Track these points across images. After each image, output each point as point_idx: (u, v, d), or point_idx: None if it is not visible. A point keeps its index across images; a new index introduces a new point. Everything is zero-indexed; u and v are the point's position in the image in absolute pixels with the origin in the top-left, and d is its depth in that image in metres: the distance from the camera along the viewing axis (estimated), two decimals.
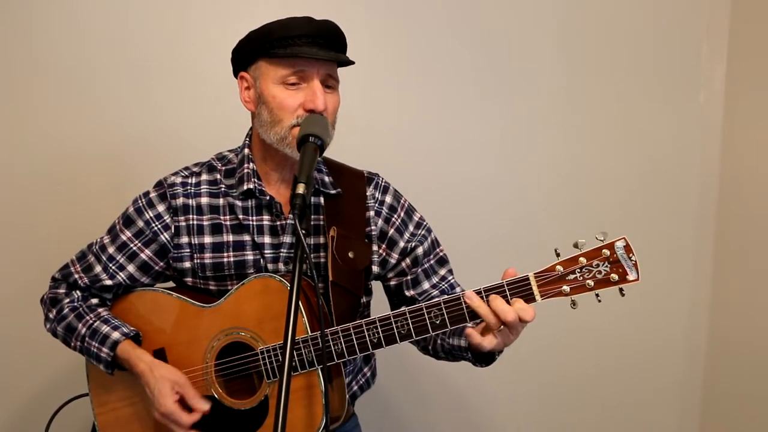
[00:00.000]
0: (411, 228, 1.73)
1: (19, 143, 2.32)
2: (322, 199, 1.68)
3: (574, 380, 2.69)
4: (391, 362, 2.35)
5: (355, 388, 1.77)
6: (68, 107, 2.33)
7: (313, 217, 1.67)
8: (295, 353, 1.51)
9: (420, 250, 1.72)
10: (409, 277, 1.72)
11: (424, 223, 1.76)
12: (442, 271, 1.74)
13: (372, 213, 1.71)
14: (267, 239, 1.65)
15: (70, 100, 2.33)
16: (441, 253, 1.76)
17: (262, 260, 1.65)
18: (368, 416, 1.97)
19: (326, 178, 1.69)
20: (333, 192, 1.68)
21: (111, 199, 2.02)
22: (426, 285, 1.72)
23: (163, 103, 2.37)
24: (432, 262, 1.74)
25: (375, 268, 1.70)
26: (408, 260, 1.72)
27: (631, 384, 2.71)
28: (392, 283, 1.75)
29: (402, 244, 1.71)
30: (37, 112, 2.32)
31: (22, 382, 2.38)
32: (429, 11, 2.48)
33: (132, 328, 1.65)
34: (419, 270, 1.71)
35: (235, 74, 1.66)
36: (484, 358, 1.58)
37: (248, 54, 1.60)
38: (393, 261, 1.72)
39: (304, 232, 1.30)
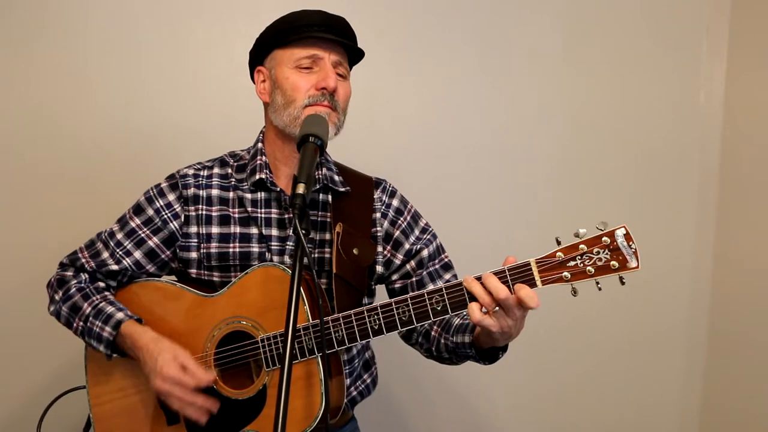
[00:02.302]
0: (417, 232, 1.76)
1: (24, 140, 2.33)
2: (330, 197, 1.70)
3: (574, 381, 2.68)
4: (392, 364, 2.35)
5: (354, 393, 1.76)
6: (72, 105, 2.34)
7: (320, 213, 1.70)
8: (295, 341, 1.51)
9: (425, 253, 1.74)
10: (414, 279, 1.73)
11: (430, 229, 1.79)
12: (447, 276, 1.75)
13: (378, 215, 1.73)
14: (274, 232, 1.67)
15: (75, 97, 2.34)
16: (446, 259, 1.77)
17: (267, 253, 1.66)
18: (368, 419, 1.96)
19: (336, 177, 1.72)
20: (342, 189, 1.70)
21: (114, 200, 2.01)
22: (431, 288, 1.71)
23: (168, 104, 2.38)
24: (437, 266, 1.75)
25: (379, 269, 1.72)
26: (413, 262, 1.73)
27: (632, 383, 2.71)
28: (397, 285, 1.76)
29: (407, 246, 1.73)
30: (42, 109, 2.33)
31: (18, 376, 2.37)
32: (429, 11, 2.50)
33: (135, 315, 1.65)
34: (424, 272, 1.73)
35: (252, 73, 1.72)
36: (487, 355, 1.58)
37: (264, 47, 1.66)
38: (398, 262, 1.73)
39: (304, 231, 1.31)
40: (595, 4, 2.56)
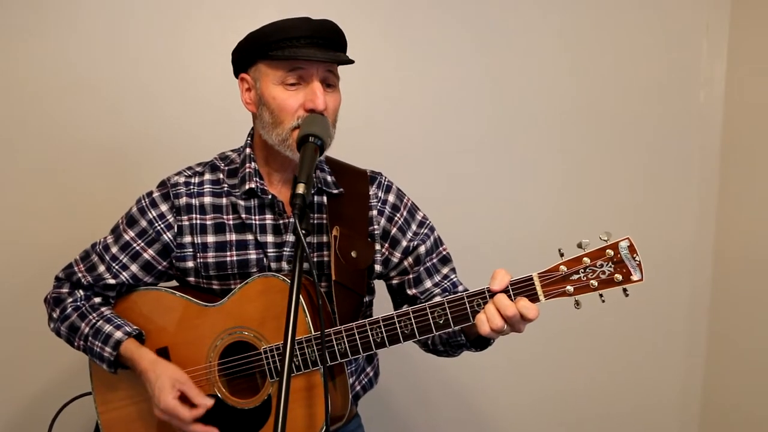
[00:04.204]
0: (414, 227, 1.73)
1: (21, 143, 2.32)
2: (325, 198, 1.68)
3: (574, 380, 2.69)
4: (394, 362, 2.35)
5: (358, 387, 1.77)
6: (69, 109, 2.32)
7: (316, 215, 1.67)
8: (297, 353, 1.51)
9: (422, 249, 1.72)
10: (411, 276, 1.72)
11: (427, 222, 1.76)
12: (445, 270, 1.74)
13: (375, 212, 1.71)
14: (270, 238, 1.65)
15: (72, 99, 2.32)
16: (444, 252, 1.76)
17: (265, 259, 1.65)
18: (371, 416, 1.97)
19: (329, 178, 1.69)
20: (335, 192, 1.68)
21: (113, 200, 2.01)
22: (428, 284, 1.71)
23: (165, 104, 2.37)
24: (435, 260, 1.73)
25: (378, 267, 1.71)
26: (410, 259, 1.72)
27: (632, 382, 2.72)
28: (394, 282, 1.75)
29: (404, 243, 1.71)
30: (39, 112, 2.32)
31: (26, 381, 2.38)
32: (428, 9, 2.49)
33: (135, 327, 1.65)
34: (421, 268, 1.71)
35: (236, 75, 1.66)
36: (478, 342, 1.59)
37: (247, 56, 1.60)
38: (395, 260, 1.72)
39: (304, 232, 1.30)
40: (595, 4, 2.55)
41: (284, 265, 1.65)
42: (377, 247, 1.70)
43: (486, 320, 1.39)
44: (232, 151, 1.75)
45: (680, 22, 2.58)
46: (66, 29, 2.31)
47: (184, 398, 1.57)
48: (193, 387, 1.58)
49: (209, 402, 1.57)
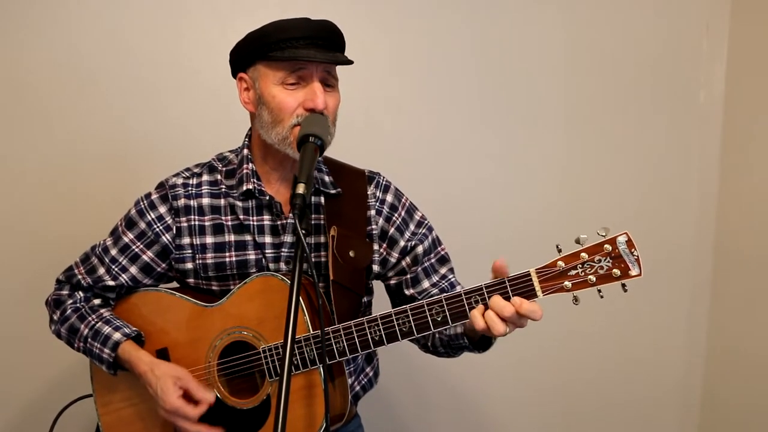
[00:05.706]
0: (412, 227, 1.73)
1: (21, 145, 2.33)
2: (322, 199, 1.68)
3: (574, 380, 2.69)
4: (394, 363, 2.34)
5: (358, 388, 1.77)
6: (69, 108, 2.33)
7: (313, 216, 1.67)
8: (296, 352, 1.51)
9: (420, 249, 1.72)
10: (408, 276, 1.71)
11: (425, 222, 1.76)
12: (443, 270, 1.74)
13: (373, 212, 1.71)
14: (268, 239, 1.65)
15: (70, 100, 2.33)
16: (442, 252, 1.76)
17: (263, 260, 1.65)
18: (371, 417, 1.96)
19: (326, 178, 1.69)
20: (333, 192, 1.68)
21: (113, 201, 2.01)
22: (426, 284, 1.71)
23: (164, 104, 2.37)
24: (433, 260, 1.73)
25: (376, 267, 1.71)
26: (408, 259, 1.72)
27: (631, 388, 2.71)
28: (392, 282, 1.75)
29: (402, 243, 1.71)
30: (39, 113, 2.33)
31: (27, 383, 2.39)
32: (429, 11, 2.49)
33: (134, 329, 1.65)
34: (419, 269, 1.71)
35: (234, 75, 1.66)
36: (480, 344, 1.58)
37: (246, 56, 1.60)
38: (393, 260, 1.72)
39: (304, 232, 1.30)
40: (595, 4, 2.55)
41: (282, 265, 1.65)
42: (375, 247, 1.70)
43: (487, 329, 1.39)
44: (230, 151, 1.75)
45: (680, 22, 2.58)
46: (65, 29, 2.32)
47: (187, 396, 1.57)
48: (194, 381, 1.58)
49: (211, 397, 1.57)
